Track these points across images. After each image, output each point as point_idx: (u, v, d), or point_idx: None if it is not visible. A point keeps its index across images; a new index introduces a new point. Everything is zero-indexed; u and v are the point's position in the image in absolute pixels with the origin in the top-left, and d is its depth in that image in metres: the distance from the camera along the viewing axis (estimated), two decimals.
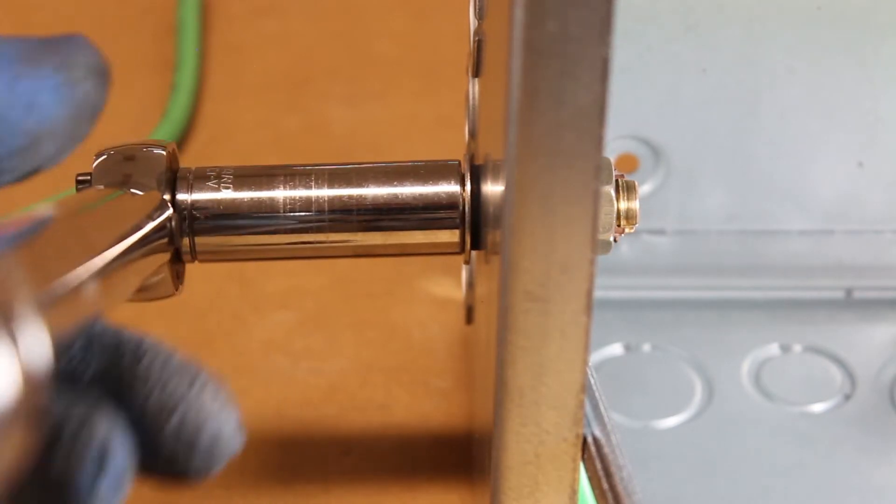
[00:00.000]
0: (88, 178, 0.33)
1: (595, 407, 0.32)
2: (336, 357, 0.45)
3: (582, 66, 0.25)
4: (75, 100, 0.29)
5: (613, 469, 0.31)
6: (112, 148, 0.35)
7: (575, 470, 0.30)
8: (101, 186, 0.33)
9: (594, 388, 0.33)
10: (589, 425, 0.32)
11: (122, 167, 0.34)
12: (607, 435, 0.32)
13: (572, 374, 0.29)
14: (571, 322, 0.28)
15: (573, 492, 0.30)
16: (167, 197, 0.34)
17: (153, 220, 0.32)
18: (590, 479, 0.32)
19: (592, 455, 0.32)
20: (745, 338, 0.45)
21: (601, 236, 0.32)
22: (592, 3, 0.25)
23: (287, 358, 0.45)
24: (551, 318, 0.28)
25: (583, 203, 0.27)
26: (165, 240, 0.33)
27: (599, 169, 0.26)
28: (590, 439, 0.32)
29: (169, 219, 0.33)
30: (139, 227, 0.31)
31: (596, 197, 0.27)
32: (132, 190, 0.33)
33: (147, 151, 0.34)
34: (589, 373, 0.30)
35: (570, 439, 0.30)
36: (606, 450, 0.32)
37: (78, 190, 0.33)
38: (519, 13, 0.25)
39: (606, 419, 0.32)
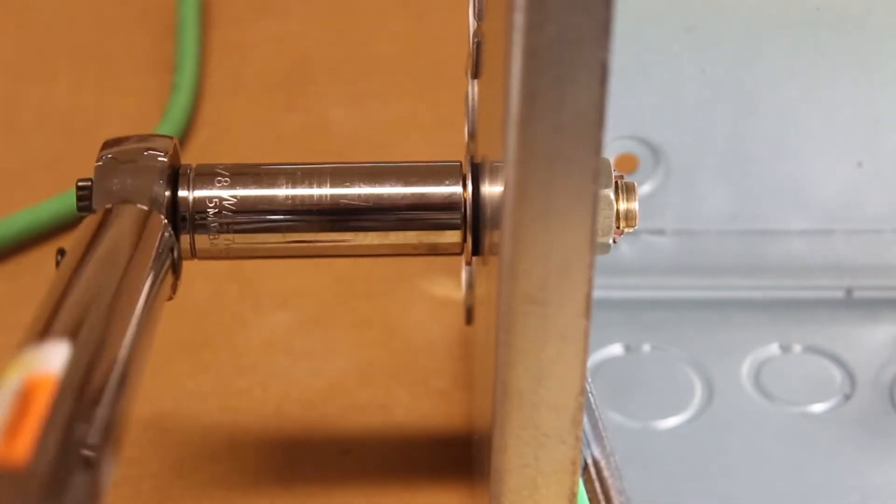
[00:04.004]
0: (89, 183, 0.33)
1: (595, 427, 0.32)
2: (336, 357, 0.45)
3: (581, 71, 0.25)
4: None
5: (613, 494, 0.31)
6: (115, 145, 0.35)
7: (574, 473, 0.30)
8: (108, 205, 0.33)
9: (594, 407, 0.33)
10: (588, 446, 0.32)
11: (122, 177, 0.34)
12: (607, 457, 0.32)
13: (572, 376, 0.29)
14: (570, 325, 0.28)
15: (572, 495, 0.30)
16: (167, 194, 0.34)
17: (161, 257, 0.32)
18: (589, 500, 0.32)
19: (592, 477, 0.32)
20: (745, 338, 0.45)
21: (600, 239, 0.32)
22: (591, 8, 0.25)
23: (287, 358, 0.45)
24: (550, 320, 0.28)
25: (581, 206, 0.27)
26: (169, 262, 0.33)
27: (598, 172, 0.26)
28: (589, 461, 0.32)
29: (171, 244, 0.33)
30: (153, 277, 0.31)
31: (595, 200, 0.27)
32: (133, 206, 0.33)
33: (147, 160, 0.34)
34: (588, 389, 0.30)
35: (569, 442, 0.30)
36: (606, 473, 0.32)
37: (79, 198, 0.33)
38: (518, 17, 0.25)
39: (606, 440, 0.32)
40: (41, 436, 0.23)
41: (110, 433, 0.25)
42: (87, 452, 0.24)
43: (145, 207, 0.33)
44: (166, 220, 0.33)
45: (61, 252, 0.32)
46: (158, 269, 0.32)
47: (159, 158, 0.34)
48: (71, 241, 0.32)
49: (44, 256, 0.48)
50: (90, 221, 0.32)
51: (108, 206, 0.33)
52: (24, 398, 0.23)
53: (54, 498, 0.22)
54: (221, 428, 0.43)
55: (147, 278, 0.31)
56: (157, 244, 0.32)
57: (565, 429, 0.29)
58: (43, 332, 0.27)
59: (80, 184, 0.34)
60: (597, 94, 0.25)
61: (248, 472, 0.41)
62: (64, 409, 0.24)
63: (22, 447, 0.22)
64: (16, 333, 0.46)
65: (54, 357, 0.25)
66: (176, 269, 0.33)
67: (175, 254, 0.33)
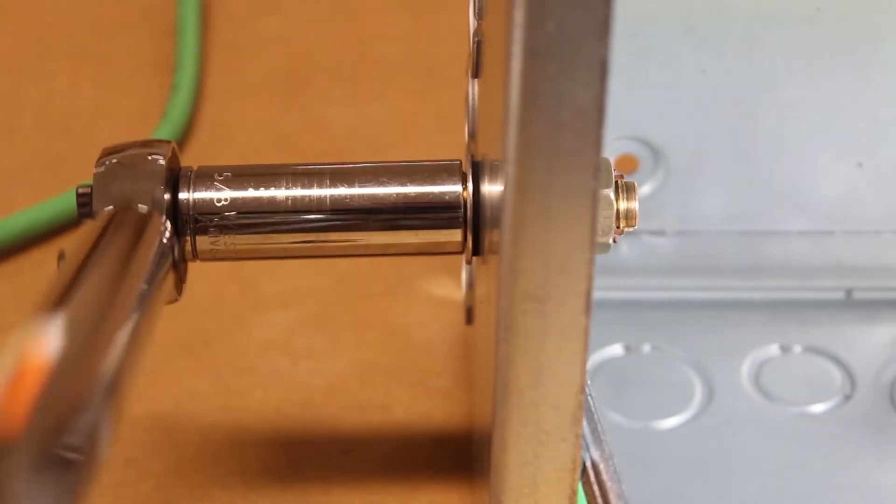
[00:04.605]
0: (89, 189, 0.33)
1: (594, 429, 0.32)
2: (336, 357, 0.45)
3: (580, 67, 0.25)
4: None
5: (612, 497, 0.31)
6: (114, 152, 0.35)
7: (574, 471, 0.30)
8: (108, 208, 0.33)
9: (593, 409, 0.33)
10: (587, 449, 0.32)
11: (122, 182, 0.34)
12: (606, 460, 0.32)
13: (571, 374, 0.29)
14: (570, 323, 0.28)
15: (572, 492, 0.30)
16: (167, 196, 0.34)
17: (161, 259, 0.32)
18: (588, 503, 0.32)
19: (591, 480, 0.32)
20: (745, 338, 0.45)
21: (600, 239, 0.32)
22: (591, 5, 0.25)
23: (287, 358, 0.45)
24: (550, 318, 0.28)
25: (581, 204, 0.27)
26: (169, 264, 0.33)
27: (598, 170, 0.26)
28: (588, 464, 0.32)
29: (171, 245, 0.33)
30: (152, 278, 0.31)
31: (595, 198, 0.27)
32: (133, 209, 0.33)
33: (146, 164, 0.34)
34: (587, 392, 0.30)
35: (569, 440, 0.30)
36: (605, 476, 0.32)
37: (79, 204, 0.33)
38: (518, 14, 0.25)
39: (605, 443, 0.32)
40: (30, 420, 0.23)
41: (96, 435, 0.25)
42: (70, 455, 0.23)
43: (145, 210, 0.33)
44: (167, 221, 0.33)
45: (62, 256, 0.32)
46: (157, 269, 0.32)
47: (159, 162, 0.34)
48: (70, 244, 0.32)
49: (44, 256, 0.48)
50: (90, 225, 0.32)
51: (109, 208, 0.33)
52: (14, 381, 0.23)
53: (37, 486, 0.22)
54: (221, 428, 0.43)
55: (145, 279, 0.31)
56: (156, 245, 0.32)
57: (565, 426, 0.29)
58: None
59: (80, 190, 0.34)
60: (597, 91, 0.25)
61: (248, 473, 0.41)
62: (52, 404, 0.24)
63: (13, 424, 0.22)
64: None
65: (48, 343, 0.25)
66: (178, 269, 0.33)
67: (176, 254, 0.33)
